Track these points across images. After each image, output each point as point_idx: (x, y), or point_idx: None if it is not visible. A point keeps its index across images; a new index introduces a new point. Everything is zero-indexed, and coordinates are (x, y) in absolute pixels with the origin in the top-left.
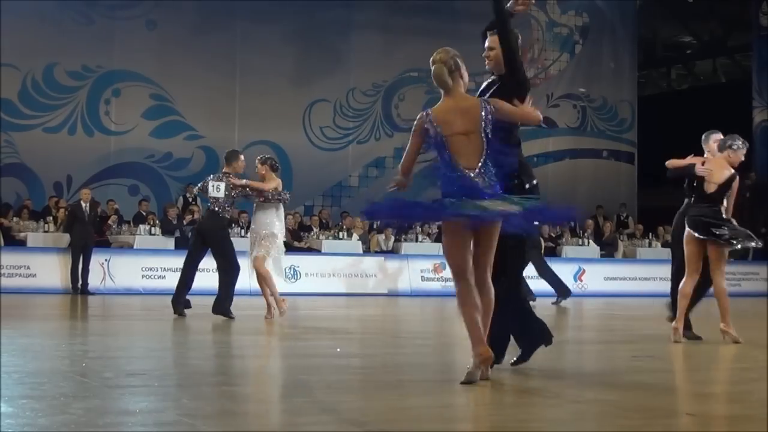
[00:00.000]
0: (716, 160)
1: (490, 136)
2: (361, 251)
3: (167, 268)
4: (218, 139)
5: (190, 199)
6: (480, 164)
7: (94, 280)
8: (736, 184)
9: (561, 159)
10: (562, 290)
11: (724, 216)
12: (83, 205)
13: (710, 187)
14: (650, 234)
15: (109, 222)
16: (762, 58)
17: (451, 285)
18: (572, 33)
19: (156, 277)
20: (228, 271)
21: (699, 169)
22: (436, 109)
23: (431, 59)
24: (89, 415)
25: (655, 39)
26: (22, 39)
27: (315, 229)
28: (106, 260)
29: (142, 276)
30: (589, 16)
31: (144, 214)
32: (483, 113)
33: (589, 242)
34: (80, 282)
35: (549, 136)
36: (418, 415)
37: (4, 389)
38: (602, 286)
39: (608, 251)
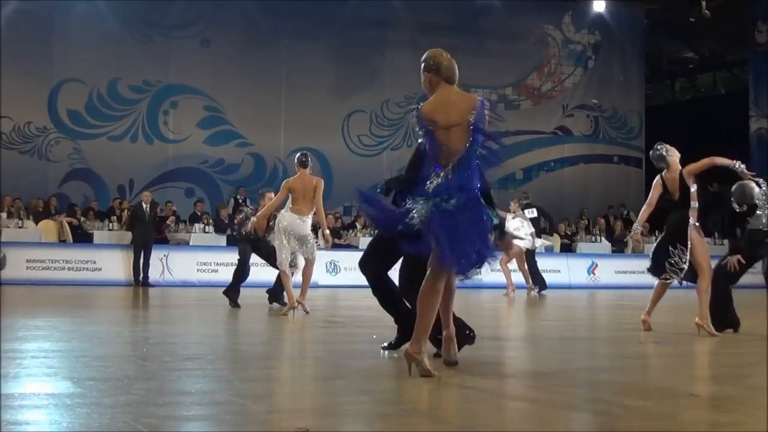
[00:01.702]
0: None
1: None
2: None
3: (220, 263)
4: (265, 146)
5: (240, 201)
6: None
7: (153, 274)
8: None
9: (575, 164)
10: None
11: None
12: (144, 206)
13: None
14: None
15: (168, 222)
16: (758, 72)
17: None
18: (585, 49)
19: (210, 270)
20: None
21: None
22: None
23: (437, 56)
24: (150, 395)
25: (661, 55)
26: (88, 56)
27: (358, 226)
28: (164, 255)
29: (197, 270)
30: (600, 34)
31: (199, 214)
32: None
33: (601, 239)
34: (141, 275)
35: (565, 143)
36: (449, 395)
37: (74, 371)
38: (614, 279)
39: (619, 247)
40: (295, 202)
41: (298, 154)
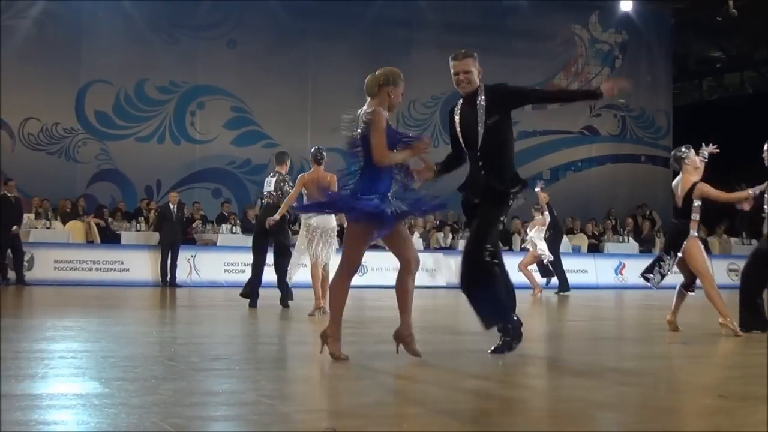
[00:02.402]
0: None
1: None
2: (422, 247)
3: (247, 264)
4: (292, 146)
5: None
6: None
7: (181, 274)
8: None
9: (603, 164)
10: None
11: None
12: (171, 206)
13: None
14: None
15: (193, 226)
16: None
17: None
18: (612, 49)
19: (237, 271)
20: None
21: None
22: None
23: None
24: (177, 395)
25: (688, 54)
26: (115, 58)
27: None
28: (192, 256)
29: (225, 270)
30: (627, 33)
31: (226, 214)
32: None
33: (629, 239)
34: (169, 276)
35: (592, 143)
36: (476, 395)
37: (102, 372)
38: (641, 279)
39: (646, 247)
40: (311, 198)
41: (312, 149)
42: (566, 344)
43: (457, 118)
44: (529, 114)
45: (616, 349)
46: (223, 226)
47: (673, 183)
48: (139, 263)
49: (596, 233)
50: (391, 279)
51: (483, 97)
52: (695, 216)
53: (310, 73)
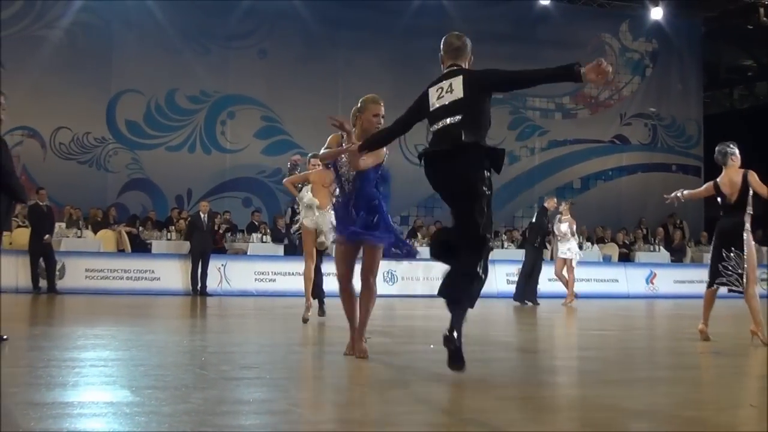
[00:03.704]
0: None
1: None
2: None
3: (277, 272)
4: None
5: (298, 211)
6: None
7: (211, 283)
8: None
9: (634, 173)
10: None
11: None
12: (202, 215)
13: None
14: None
15: (221, 232)
16: None
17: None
18: (643, 57)
19: (267, 280)
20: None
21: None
22: None
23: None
24: (208, 404)
25: (719, 62)
26: (146, 67)
27: (419, 236)
28: (222, 265)
29: (255, 279)
30: (658, 42)
31: (256, 223)
32: None
33: (659, 248)
34: (199, 284)
35: (623, 152)
36: (507, 405)
37: (133, 380)
38: (672, 288)
39: (678, 257)
40: (317, 196)
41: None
42: (597, 353)
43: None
44: (560, 123)
45: (647, 358)
46: (254, 235)
47: (707, 184)
48: (169, 272)
49: (627, 242)
50: (421, 288)
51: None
52: (749, 209)
53: (341, 83)
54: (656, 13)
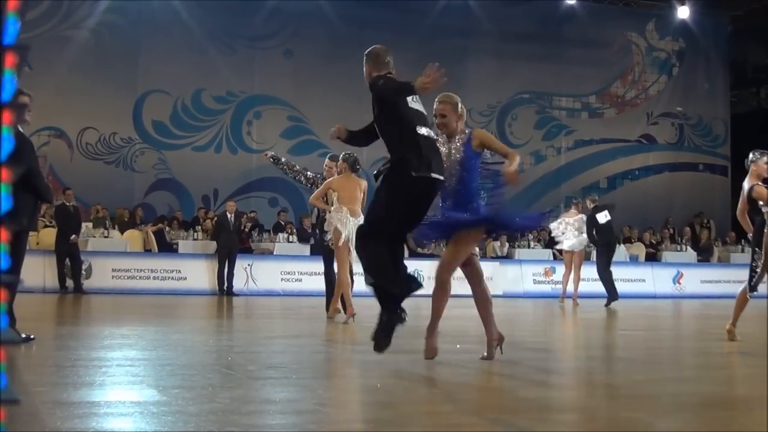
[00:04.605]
0: None
1: None
2: (478, 257)
3: (303, 272)
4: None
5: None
6: None
7: (238, 283)
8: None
9: (660, 172)
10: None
11: None
12: (229, 215)
13: None
14: (743, 240)
15: (245, 235)
16: None
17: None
18: (670, 57)
19: (293, 280)
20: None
21: None
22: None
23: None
24: (234, 403)
25: (746, 61)
26: (173, 68)
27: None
28: (249, 265)
29: (281, 279)
30: (684, 41)
31: (282, 223)
32: None
33: (686, 248)
34: (226, 284)
35: (649, 151)
36: (533, 405)
37: (160, 380)
38: (699, 288)
39: (704, 256)
40: (343, 203)
41: (350, 157)
42: (623, 353)
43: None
44: (586, 122)
45: (674, 358)
46: (280, 235)
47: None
48: (196, 272)
49: (654, 242)
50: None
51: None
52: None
53: (367, 82)
54: (683, 12)
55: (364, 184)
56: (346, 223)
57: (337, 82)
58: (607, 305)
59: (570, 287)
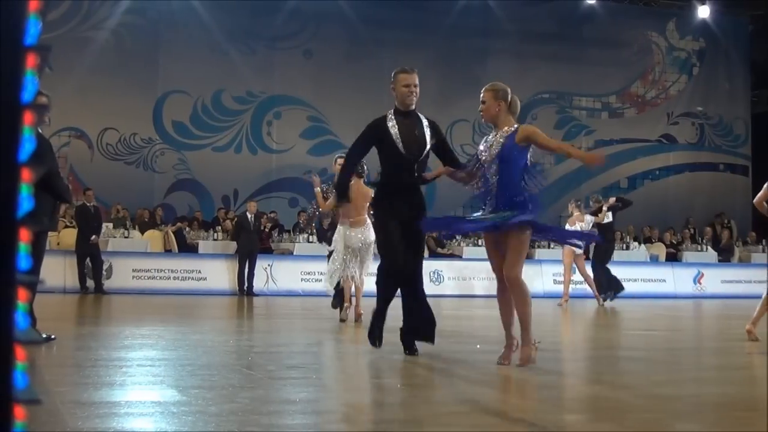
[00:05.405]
0: None
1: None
2: None
3: (323, 272)
4: (368, 156)
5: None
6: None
7: (258, 283)
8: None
9: (681, 172)
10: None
11: None
12: (249, 216)
13: None
14: (763, 240)
15: (265, 235)
16: None
17: (580, 287)
18: (690, 56)
19: (314, 280)
20: None
21: None
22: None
23: (508, 90)
24: (254, 403)
25: (766, 61)
26: (193, 68)
27: (458, 237)
28: (269, 265)
29: (301, 279)
30: (705, 40)
31: (302, 223)
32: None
33: (707, 248)
34: (246, 285)
35: (670, 151)
36: (551, 405)
37: (180, 380)
38: (720, 288)
39: (725, 256)
40: (349, 213)
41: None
42: (643, 354)
43: (394, 131)
44: (606, 122)
45: (695, 359)
46: (300, 235)
47: None
48: (216, 272)
49: (674, 242)
50: (464, 288)
51: (425, 120)
52: None
53: (387, 82)
54: (703, 12)
55: (370, 194)
56: (346, 237)
57: (357, 82)
58: (611, 299)
59: (569, 288)
